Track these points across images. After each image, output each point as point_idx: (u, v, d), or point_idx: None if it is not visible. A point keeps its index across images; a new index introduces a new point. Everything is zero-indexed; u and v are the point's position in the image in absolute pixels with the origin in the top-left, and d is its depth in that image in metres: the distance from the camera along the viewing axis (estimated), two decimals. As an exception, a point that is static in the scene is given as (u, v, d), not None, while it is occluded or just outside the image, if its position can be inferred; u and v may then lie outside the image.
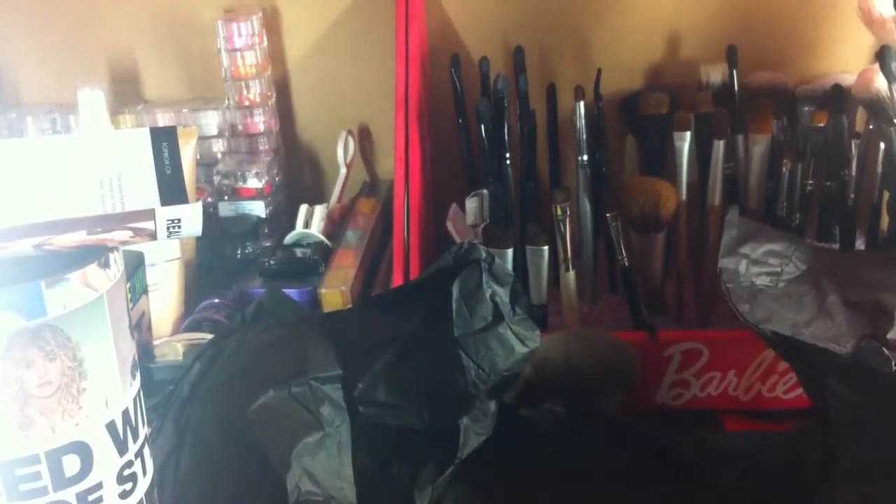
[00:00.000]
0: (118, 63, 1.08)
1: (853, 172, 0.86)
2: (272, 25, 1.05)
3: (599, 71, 0.94)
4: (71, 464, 0.41)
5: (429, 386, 0.57)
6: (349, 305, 0.85)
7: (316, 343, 0.58)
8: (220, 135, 1.04)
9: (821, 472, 0.63)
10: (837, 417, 0.65)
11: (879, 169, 0.87)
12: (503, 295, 0.58)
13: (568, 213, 0.81)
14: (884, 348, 0.63)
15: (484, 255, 0.59)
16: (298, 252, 0.91)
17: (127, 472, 0.43)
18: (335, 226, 0.98)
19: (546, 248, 0.81)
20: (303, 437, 0.54)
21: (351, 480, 0.53)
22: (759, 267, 0.72)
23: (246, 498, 0.56)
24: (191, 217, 0.41)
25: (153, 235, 0.41)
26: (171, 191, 0.41)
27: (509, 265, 0.79)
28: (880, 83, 0.77)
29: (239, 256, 0.98)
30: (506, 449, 0.60)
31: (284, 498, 0.54)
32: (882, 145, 0.84)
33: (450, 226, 0.88)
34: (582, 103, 0.89)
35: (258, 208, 0.99)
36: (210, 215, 0.99)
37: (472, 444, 0.55)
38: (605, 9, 1.02)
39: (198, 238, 0.91)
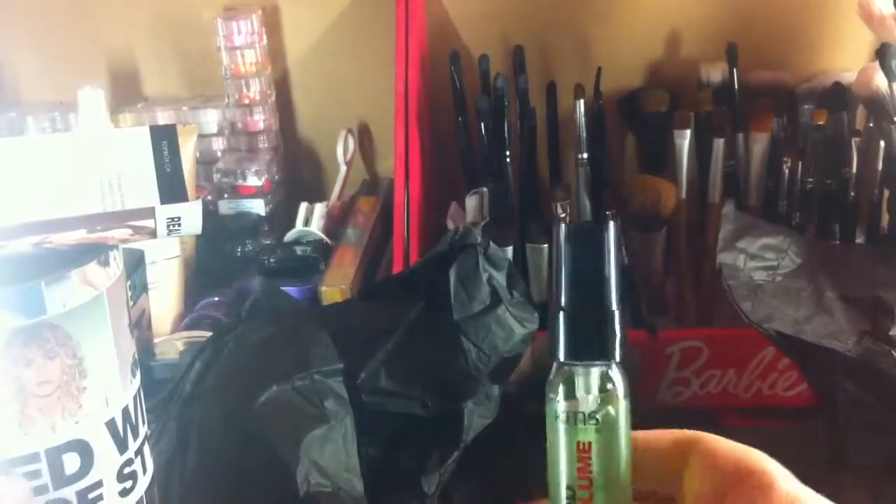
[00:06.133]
0: (118, 61, 1.08)
1: (853, 170, 0.86)
2: (272, 23, 1.05)
3: (599, 69, 0.94)
4: (71, 462, 0.41)
5: (431, 372, 0.57)
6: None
7: (317, 336, 0.58)
8: (219, 133, 1.04)
9: (829, 468, 0.63)
10: (845, 413, 0.65)
11: (880, 167, 0.87)
12: (500, 278, 0.58)
13: (568, 211, 0.81)
14: (891, 350, 0.63)
15: (479, 239, 0.59)
16: (298, 250, 0.91)
17: (127, 470, 0.43)
18: (335, 224, 0.98)
19: (546, 246, 0.81)
20: (309, 431, 0.55)
21: (358, 471, 0.54)
22: (756, 261, 0.73)
23: (253, 493, 0.56)
24: (191, 215, 0.41)
25: (153, 234, 0.41)
26: (171, 189, 0.41)
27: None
28: (880, 81, 0.77)
29: (239, 254, 0.98)
30: (510, 440, 0.60)
31: (292, 492, 0.54)
32: (882, 143, 0.84)
33: (450, 224, 0.89)
34: (582, 101, 0.89)
35: (258, 206, 0.99)
36: (210, 213, 0.99)
37: (477, 428, 0.56)
38: (605, 7, 1.02)
39: (198, 236, 0.91)
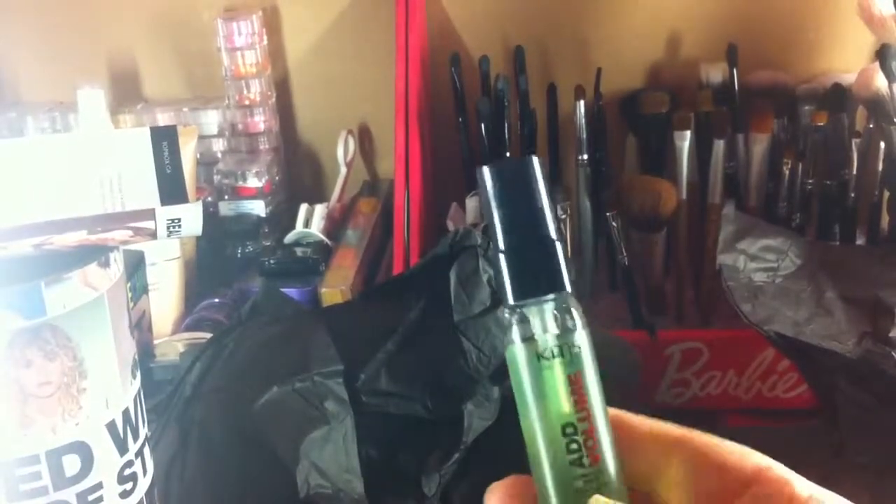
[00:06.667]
0: (118, 62, 1.08)
1: (853, 171, 0.86)
2: (272, 24, 1.05)
3: (599, 70, 0.94)
4: (71, 464, 0.41)
5: (431, 373, 0.57)
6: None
7: (317, 338, 0.58)
8: (220, 134, 1.04)
9: (829, 469, 0.63)
10: (845, 414, 0.65)
11: (880, 168, 0.87)
12: None
13: (568, 212, 0.81)
14: (891, 351, 0.63)
15: (479, 240, 0.59)
16: (299, 251, 0.91)
17: (127, 471, 0.43)
18: (335, 225, 0.98)
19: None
20: (309, 432, 0.55)
21: (358, 473, 0.54)
22: (756, 263, 0.73)
23: (253, 495, 0.56)
24: (191, 217, 0.41)
25: (153, 235, 0.41)
26: (172, 190, 0.41)
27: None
28: (880, 82, 0.77)
29: (239, 256, 0.98)
30: (511, 441, 0.60)
31: (292, 493, 0.54)
32: (882, 144, 0.84)
33: (450, 225, 0.89)
34: (582, 102, 0.89)
35: (258, 207, 0.99)
36: (210, 214, 0.99)
37: (477, 430, 0.56)
38: (605, 8, 1.02)
39: (198, 237, 0.91)
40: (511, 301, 0.31)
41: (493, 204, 0.31)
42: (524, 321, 0.31)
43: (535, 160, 0.31)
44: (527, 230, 0.31)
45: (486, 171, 0.31)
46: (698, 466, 0.31)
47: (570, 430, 0.31)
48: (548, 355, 0.31)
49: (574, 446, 0.30)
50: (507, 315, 0.31)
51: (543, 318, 0.31)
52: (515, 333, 0.31)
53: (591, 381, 0.31)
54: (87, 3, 1.06)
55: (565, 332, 0.31)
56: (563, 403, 0.31)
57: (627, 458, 0.32)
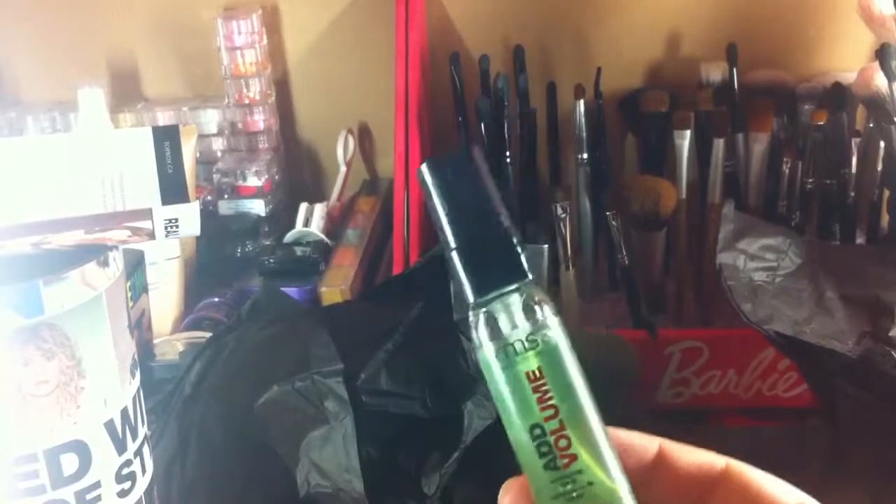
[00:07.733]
0: (118, 61, 1.08)
1: (853, 171, 0.86)
2: (272, 23, 1.05)
3: (599, 69, 0.94)
4: (69, 462, 0.41)
5: (431, 373, 0.57)
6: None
7: (317, 337, 0.58)
8: (219, 133, 1.04)
9: (828, 468, 0.63)
10: (845, 414, 0.65)
11: (879, 167, 0.87)
12: None
13: (568, 211, 0.81)
14: (891, 351, 0.63)
15: None
16: (298, 250, 0.91)
17: (125, 471, 0.43)
18: (335, 224, 0.98)
19: (546, 246, 0.81)
20: (309, 432, 0.55)
21: (358, 472, 0.54)
22: (756, 262, 0.72)
23: (254, 494, 0.56)
24: (188, 217, 0.41)
25: (151, 235, 0.41)
26: (173, 190, 0.41)
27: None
28: (880, 81, 0.77)
29: (239, 255, 0.98)
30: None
31: (292, 493, 0.54)
32: (882, 143, 0.84)
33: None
34: (582, 102, 0.89)
35: (258, 207, 0.99)
36: (210, 214, 0.99)
37: (477, 429, 0.56)
38: (605, 7, 1.02)
39: (198, 236, 0.91)
40: (471, 300, 0.29)
41: (439, 201, 0.29)
42: (491, 320, 0.29)
43: (477, 149, 0.30)
44: (477, 223, 0.29)
45: (425, 168, 0.29)
46: (739, 499, 0.30)
47: (537, 431, 0.28)
48: (519, 349, 0.29)
49: (544, 448, 0.28)
50: (471, 318, 0.29)
51: (510, 312, 0.29)
52: (483, 334, 0.29)
53: (563, 374, 0.29)
54: (87, 3, 1.06)
55: (535, 323, 0.29)
56: (526, 403, 0.29)
57: (669, 489, 0.31)
